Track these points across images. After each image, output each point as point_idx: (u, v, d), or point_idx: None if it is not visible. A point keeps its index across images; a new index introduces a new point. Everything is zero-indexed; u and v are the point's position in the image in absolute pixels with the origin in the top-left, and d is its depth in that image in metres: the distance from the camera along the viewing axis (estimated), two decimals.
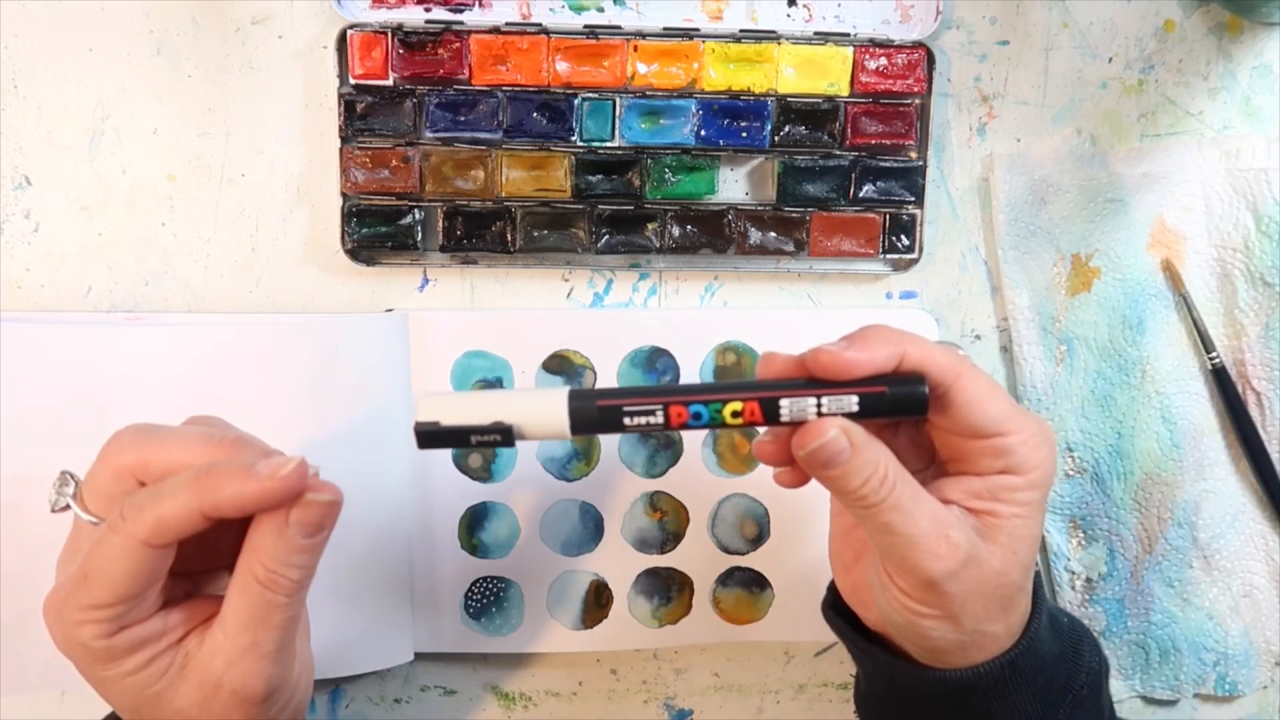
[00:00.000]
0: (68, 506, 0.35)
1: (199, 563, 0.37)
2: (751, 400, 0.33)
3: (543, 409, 0.34)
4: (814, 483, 0.36)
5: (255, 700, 0.34)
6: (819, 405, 0.33)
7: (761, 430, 0.35)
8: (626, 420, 0.34)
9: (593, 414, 0.34)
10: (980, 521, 0.35)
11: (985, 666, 0.36)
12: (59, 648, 0.34)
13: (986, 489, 0.35)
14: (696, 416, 0.34)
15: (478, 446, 0.34)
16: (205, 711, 0.34)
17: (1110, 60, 0.52)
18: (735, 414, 0.33)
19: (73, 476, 0.36)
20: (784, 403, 0.33)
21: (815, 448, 0.33)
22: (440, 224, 0.50)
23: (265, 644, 0.34)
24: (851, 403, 0.33)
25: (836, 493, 0.34)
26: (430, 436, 0.34)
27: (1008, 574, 0.35)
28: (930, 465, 0.38)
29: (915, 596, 0.35)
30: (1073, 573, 0.53)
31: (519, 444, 0.50)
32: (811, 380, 0.34)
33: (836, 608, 0.41)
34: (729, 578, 0.53)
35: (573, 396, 0.34)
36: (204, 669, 0.34)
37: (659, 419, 0.34)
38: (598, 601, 0.52)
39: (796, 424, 0.34)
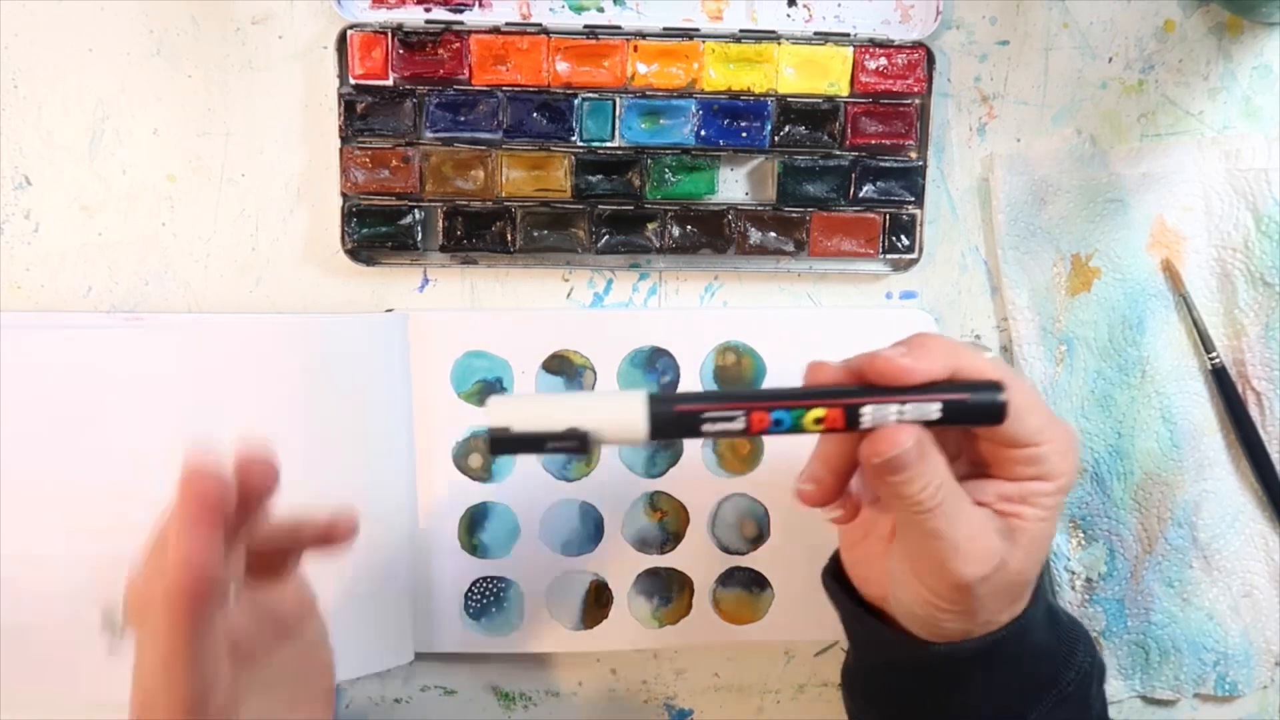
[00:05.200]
0: None
1: None
2: (835, 407, 0.33)
3: (620, 414, 0.33)
4: None
5: None
6: (900, 412, 0.33)
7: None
8: (705, 426, 0.33)
9: (671, 419, 0.33)
10: (1006, 523, 0.35)
11: (972, 641, 0.36)
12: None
13: (1018, 493, 0.35)
14: (778, 423, 0.33)
15: (551, 452, 0.33)
16: None
17: (1110, 60, 0.52)
18: (817, 420, 0.33)
19: None
20: (866, 409, 0.33)
21: (892, 456, 0.32)
22: (440, 224, 0.50)
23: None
24: (933, 410, 0.33)
25: (891, 496, 0.34)
26: (503, 443, 0.33)
27: (1026, 573, 0.36)
28: (954, 463, 0.38)
29: (943, 596, 0.35)
30: (1073, 573, 0.53)
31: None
32: (870, 387, 0.33)
33: (836, 576, 0.42)
34: (729, 578, 0.53)
35: (651, 401, 0.33)
36: None
37: (739, 425, 0.33)
38: (598, 601, 0.52)
39: (865, 431, 0.33)
